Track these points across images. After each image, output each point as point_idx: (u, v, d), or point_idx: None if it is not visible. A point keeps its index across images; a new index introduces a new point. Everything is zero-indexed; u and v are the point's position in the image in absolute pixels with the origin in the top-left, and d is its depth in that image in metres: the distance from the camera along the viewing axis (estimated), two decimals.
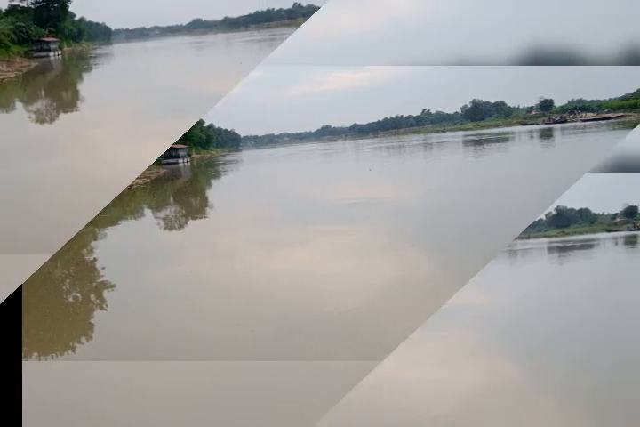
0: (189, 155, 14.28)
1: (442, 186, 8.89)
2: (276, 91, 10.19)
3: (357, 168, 9.59)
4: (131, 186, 12.38)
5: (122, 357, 5.25)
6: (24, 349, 5.53)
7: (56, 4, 14.40)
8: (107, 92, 12.00)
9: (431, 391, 5.04)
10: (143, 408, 4.58)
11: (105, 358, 5.30)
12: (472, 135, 11.92)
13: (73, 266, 7.37)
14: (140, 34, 12.67)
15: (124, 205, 12.00)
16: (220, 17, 13.87)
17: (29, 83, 13.51)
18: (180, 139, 14.37)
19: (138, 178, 13.02)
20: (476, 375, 5.61)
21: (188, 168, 14.79)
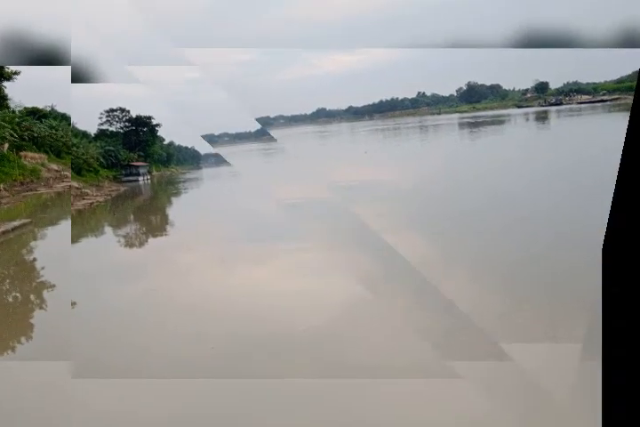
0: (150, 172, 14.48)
1: None
2: None
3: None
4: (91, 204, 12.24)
5: None
6: None
7: (145, 129, 15.05)
8: (195, 216, 12.27)
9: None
10: None
11: None
12: None
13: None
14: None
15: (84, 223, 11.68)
16: (344, 106, 14.11)
17: (118, 207, 13.82)
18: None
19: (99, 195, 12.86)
20: (386, 249, 5.22)
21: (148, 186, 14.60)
